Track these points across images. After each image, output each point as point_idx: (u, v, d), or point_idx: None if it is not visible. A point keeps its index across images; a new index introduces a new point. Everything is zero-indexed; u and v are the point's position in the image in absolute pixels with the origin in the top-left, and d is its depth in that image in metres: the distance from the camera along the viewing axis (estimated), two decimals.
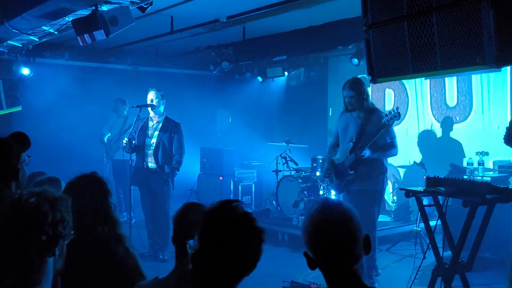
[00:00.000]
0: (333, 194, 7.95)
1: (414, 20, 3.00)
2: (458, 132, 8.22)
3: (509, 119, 7.14)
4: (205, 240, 1.91)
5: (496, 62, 2.64)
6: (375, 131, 5.49)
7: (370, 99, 5.80)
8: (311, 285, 5.47)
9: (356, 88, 5.65)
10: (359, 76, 6.19)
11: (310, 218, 1.99)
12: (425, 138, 8.68)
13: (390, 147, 5.66)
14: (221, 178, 9.63)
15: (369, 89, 6.56)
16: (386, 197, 8.31)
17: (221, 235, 1.88)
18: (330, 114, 10.09)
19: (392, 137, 5.68)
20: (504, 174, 6.53)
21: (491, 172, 6.86)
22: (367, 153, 5.49)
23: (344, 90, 5.74)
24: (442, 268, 4.53)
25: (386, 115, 5.49)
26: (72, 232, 2.10)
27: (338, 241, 1.94)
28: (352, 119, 5.76)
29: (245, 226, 1.92)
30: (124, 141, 6.85)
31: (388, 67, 3.26)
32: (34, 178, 3.97)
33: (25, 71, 8.87)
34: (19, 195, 2.08)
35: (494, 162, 7.32)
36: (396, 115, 5.40)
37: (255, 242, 1.92)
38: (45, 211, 1.99)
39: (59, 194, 2.11)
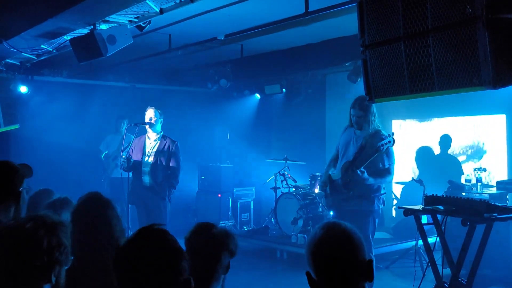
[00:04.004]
0: (331, 212, 7.95)
1: (411, 41, 3.03)
2: None
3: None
4: (121, 278, 1.83)
5: (493, 83, 2.65)
6: (370, 153, 5.39)
7: (377, 119, 5.63)
8: None
9: (365, 108, 5.47)
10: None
11: (313, 236, 2.02)
12: (423, 155, 8.69)
13: (386, 173, 5.53)
14: (219, 195, 9.61)
15: None
16: (384, 213, 8.28)
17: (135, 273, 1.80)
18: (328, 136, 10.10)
19: (391, 163, 5.54)
20: (502, 191, 6.53)
21: (489, 189, 6.86)
22: (365, 174, 5.32)
23: (353, 109, 5.57)
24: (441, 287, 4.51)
25: (382, 139, 5.40)
26: (72, 258, 2.07)
27: (338, 260, 1.95)
28: (355, 137, 5.66)
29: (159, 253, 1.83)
30: (122, 160, 6.83)
31: (385, 88, 3.28)
32: (42, 196, 3.93)
33: (23, 89, 8.87)
34: (16, 219, 2.06)
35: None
36: (391, 141, 5.32)
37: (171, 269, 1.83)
38: (40, 236, 1.96)
39: (58, 219, 2.09)
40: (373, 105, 5.55)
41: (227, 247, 2.56)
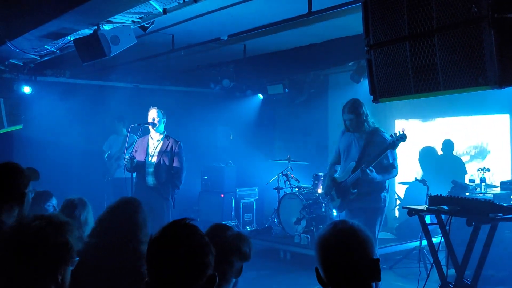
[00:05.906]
0: (334, 212, 7.94)
1: (416, 40, 3.02)
2: None
3: None
4: (152, 269, 1.87)
5: (499, 82, 2.64)
6: (379, 151, 5.47)
7: (370, 119, 5.78)
8: None
9: (355, 111, 5.67)
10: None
11: (322, 233, 2.07)
12: (427, 155, 8.67)
13: (392, 168, 5.66)
14: (222, 195, 9.60)
15: None
16: (388, 213, 8.27)
17: (166, 261, 1.84)
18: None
19: (394, 158, 5.67)
20: (507, 191, 6.51)
21: (493, 189, 6.83)
22: (373, 173, 5.44)
23: (344, 113, 5.78)
24: None
25: (392, 136, 5.46)
26: (77, 258, 2.07)
27: (344, 257, 1.97)
28: (355, 139, 5.79)
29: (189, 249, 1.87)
30: (125, 160, 6.83)
31: (390, 87, 3.27)
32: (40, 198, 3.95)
33: (27, 89, 8.87)
34: (22, 218, 2.06)
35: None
36: (403, 137, 5.36)
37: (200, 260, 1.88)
38: (46, 235, 1.97)
39: (64, 219, 2.09)
40: (363, 106, 5.72)
41: (239, 251, 2.57)
